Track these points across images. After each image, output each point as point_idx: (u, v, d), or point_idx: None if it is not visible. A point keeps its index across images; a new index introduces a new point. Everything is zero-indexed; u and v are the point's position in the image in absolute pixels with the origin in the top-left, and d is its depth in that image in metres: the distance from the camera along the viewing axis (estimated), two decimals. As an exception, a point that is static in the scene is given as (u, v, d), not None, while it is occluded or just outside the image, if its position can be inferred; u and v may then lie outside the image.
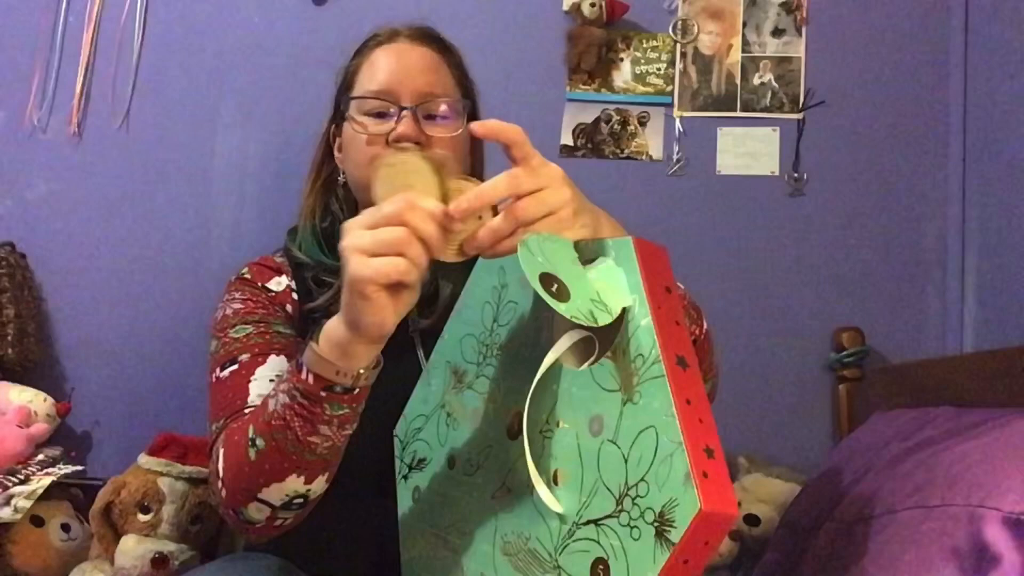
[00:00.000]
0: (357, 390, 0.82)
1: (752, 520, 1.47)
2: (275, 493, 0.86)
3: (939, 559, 0.86)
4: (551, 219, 0.76)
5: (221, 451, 0.90)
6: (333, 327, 0.79)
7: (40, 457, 1.50)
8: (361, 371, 0.81)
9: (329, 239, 1.12)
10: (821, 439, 1.68)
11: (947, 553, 0.86)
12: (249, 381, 0.97)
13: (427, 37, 1.13)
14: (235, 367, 0.98)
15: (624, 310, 0.73)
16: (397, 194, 0.75)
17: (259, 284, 1.09)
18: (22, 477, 1.43)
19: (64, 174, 1.73)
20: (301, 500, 0.87)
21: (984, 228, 1.64)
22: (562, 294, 0.72)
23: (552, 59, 1.75)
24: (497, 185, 0.75)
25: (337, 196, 1.15)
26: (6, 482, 1.41)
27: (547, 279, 0.73)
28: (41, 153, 1.74)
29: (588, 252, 0.78)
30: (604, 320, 0.72)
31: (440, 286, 1.08)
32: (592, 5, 1.70)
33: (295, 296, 1.09)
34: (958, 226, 1.69)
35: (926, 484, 0.96)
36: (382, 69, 1.08)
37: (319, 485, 0.87)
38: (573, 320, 0.72)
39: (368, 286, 0.73)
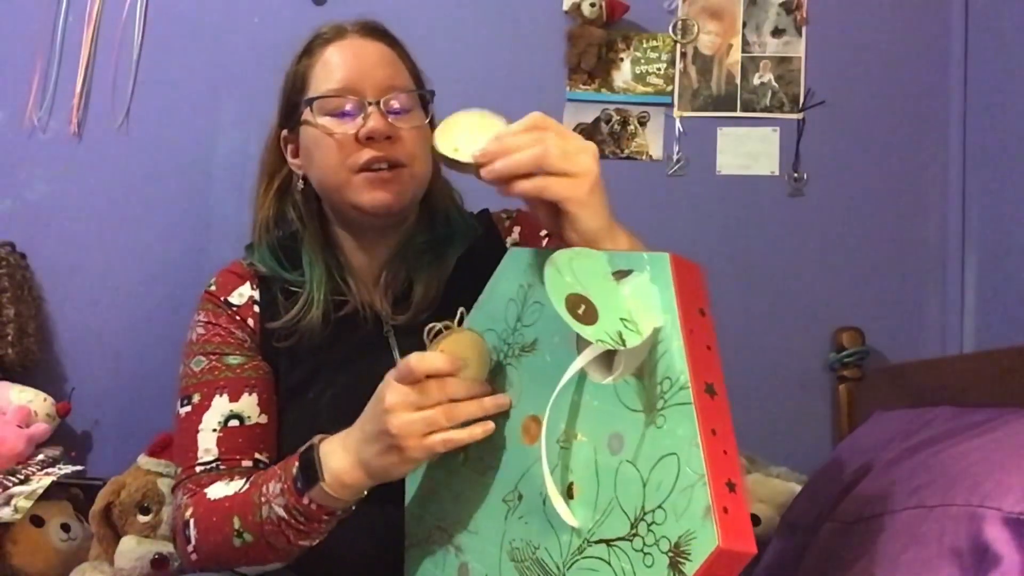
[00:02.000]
0: (354, 507, 0.89)
1: (752, 520, 1.47)
2: (253, 569, 0.94)
3: (939, 559, 0.86)
4: (568, 180, 0.77)
5: (192, 522, 0.95)
6: (346, 471, 0.85)
7: (40, 457, 1.50)
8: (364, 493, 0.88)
9: (287, 251, 1.11)
10: (821, 439, 1.68)
11: (947, 553, 0.86)
12: (198, 431, 1.02)
13: (376, 31, 1.09)
14: (189, 408, 1.04)
15: (655, 330, 0.71)
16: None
17: (221, 299, 1.09)
18: (22, 477, 1.43)
19: (64, 174, 1.73)
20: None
21: (984, 228, 1.64)
22: (589, 316, 0.71)
23: (552, 59, 1.75)
24: (522, 138, 0.78)
25: (294, 203, 1.11)
26: (6, 482, 1.41)
27: (574, 300, 0.71)
28: (41, 153, 1.74)
29: (622, 264, 0.76)
30: (633, 341, 0.70)
31: (414, 284, 1.08)
32: (592, 5, 1.70)
33: (256, 308, 1.09)
34: (958, 226, 1.69)
35: (926, 484, 0.96)
36: (339, 66, 1.04)
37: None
38: (599, 343, 0.70)
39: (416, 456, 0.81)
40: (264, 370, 1.07)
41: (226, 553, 0.92)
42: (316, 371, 1.06)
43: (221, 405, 1.02)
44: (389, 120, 1.02)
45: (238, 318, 1.08)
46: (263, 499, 0.90)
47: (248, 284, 1.10)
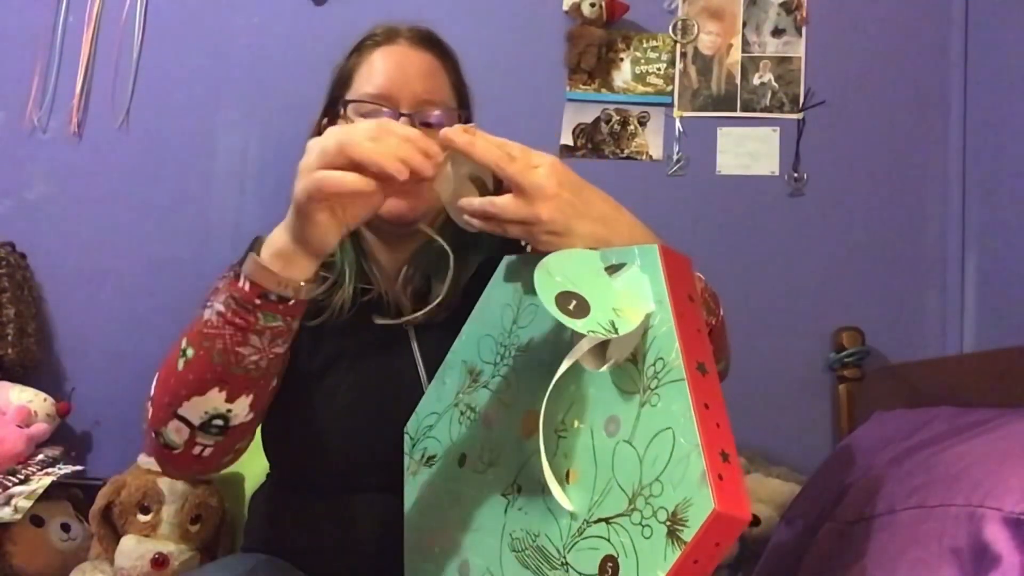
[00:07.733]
0: (292, 301, 0.82)
1: (752, 520, 1.47)
2: (195, 408, 0.84)
3: (939, 559, 0.86)
4: (507, 164, 0.76)
5: (158, 373, 0.89)
6: (277, 238, 0.81)
7: (40, 457, 1.50)
8: (302, 283, 0.82)
9: None
10: (821, 439, 1.68)
11: (947, 553, 0.86)
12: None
13: (427, 41, 1.11)
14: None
15: (646, 316, 0.74)
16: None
17: None
18: (22, 477, 1.43)
19: (64, 174, 1.73)
20: (221, 423, 0.86)
21: (984, 228, 1.64)
22: (581, 310, 0.73)
23: (552, 59, 1.75)
24: (489, 148, 0.78)
25: None
26: (6, 482, 1.41)
27: (564, 297, 0.74)
28: (41, 153, 1.74)
29: (613, 259, 0.79)
30: (625, 329, 0.72)
31: (432, 284, 1.08)
32: (592, 5, 1.70)
33: None
34: (958, 226, 1.69)
35: (926, 484, 0.96)
36: (381, 72, 1.06)
37: (240, 408, 0.86)
38: (591, 334, 0.72)
39: (308, 204, 0.76)
40: None
41: (171, 383, 0.85)
42: (337, 357, 1.06)
43: None
44: None
45: None
46: (207, 304, 0.85)
47: None
